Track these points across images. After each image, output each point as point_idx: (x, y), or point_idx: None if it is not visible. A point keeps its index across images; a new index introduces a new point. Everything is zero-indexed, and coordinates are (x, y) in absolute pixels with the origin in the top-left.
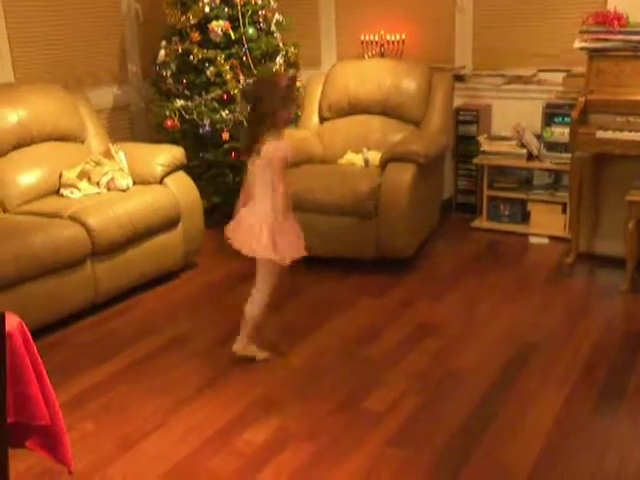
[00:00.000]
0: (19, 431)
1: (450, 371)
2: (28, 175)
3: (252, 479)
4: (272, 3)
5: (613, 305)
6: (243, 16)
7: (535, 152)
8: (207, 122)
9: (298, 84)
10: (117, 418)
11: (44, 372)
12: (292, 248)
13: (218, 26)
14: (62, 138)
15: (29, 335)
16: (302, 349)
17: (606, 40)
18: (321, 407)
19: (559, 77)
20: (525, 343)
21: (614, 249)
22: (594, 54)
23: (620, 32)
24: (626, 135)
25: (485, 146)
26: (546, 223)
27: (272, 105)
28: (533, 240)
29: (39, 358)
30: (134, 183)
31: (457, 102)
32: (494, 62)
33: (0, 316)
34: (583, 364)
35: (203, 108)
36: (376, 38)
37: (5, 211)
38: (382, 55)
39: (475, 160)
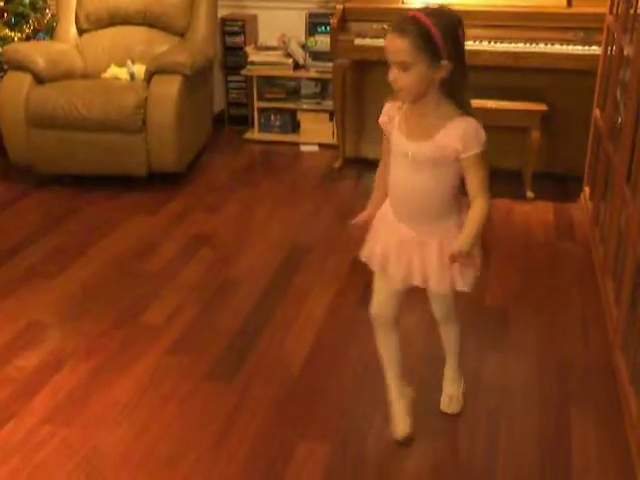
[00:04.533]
0: None
1: (227, 279)
2: None
3: (25, 404)
4: None
5: None
6: None
7: (301, 61)
8: None
9: None
10: None
11: None
12: None
13: None
14: None
15: None
16: (75, 270)
17: None
18: (98, 326)
19: None
20: (297, 246)
21: (378, 152)
22: None
23: None
24: (382, 42)
25: (252, 57)
26: (315, 131)
27: None
28: (304, 148)
29: None
30: None
31: (223, 12)
32: None
33: None
34: (350, 262)
35: None
36: None
37: None
38: None
39: (244, 71)
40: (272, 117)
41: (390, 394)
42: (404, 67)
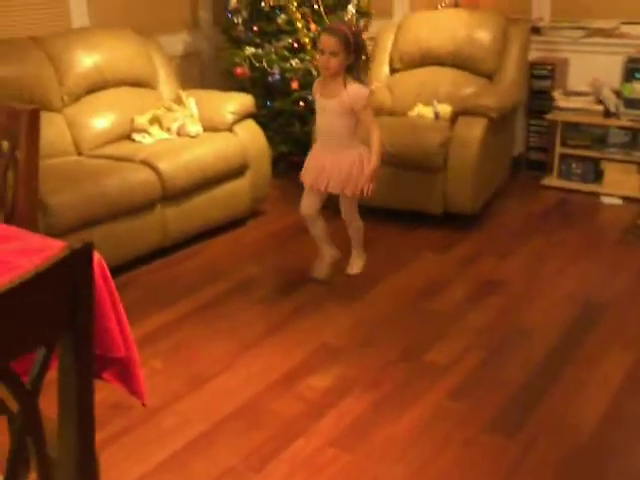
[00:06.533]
0: (96, 363)
1: (515, 328)
2: (102, 119)
3: (314, 424)
4: None
5: None
6: None
7: (613, 109)
8: (277, 70)
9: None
10: (185, 357)
11: (120, 306)
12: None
13: None
14: (135, 83)
15: (107, 270)
16: (366, 299)
17: None
18: (383, 357)
19: None
20: (592, 303)
21: None
22: None
23: None
24: None
25: (560, 102)
26: (620, 183)
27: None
28: (605, 200)
29: (116, 292)
30: (204, 130)
31: (532, 55)
32: (573, 13)
33: (89, 245)
34: None
35: (273, 56)
36: None
37: (79, 154)
38: (456, 5)
39: (549, 116)
40: (573, 165)
41: (322, 251)
42: (334, 54)
